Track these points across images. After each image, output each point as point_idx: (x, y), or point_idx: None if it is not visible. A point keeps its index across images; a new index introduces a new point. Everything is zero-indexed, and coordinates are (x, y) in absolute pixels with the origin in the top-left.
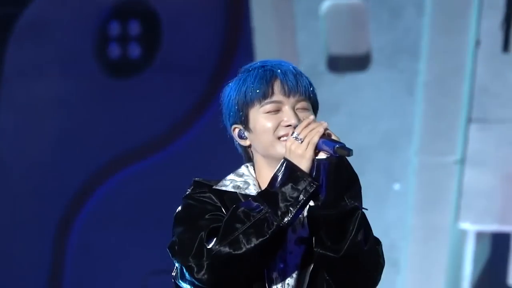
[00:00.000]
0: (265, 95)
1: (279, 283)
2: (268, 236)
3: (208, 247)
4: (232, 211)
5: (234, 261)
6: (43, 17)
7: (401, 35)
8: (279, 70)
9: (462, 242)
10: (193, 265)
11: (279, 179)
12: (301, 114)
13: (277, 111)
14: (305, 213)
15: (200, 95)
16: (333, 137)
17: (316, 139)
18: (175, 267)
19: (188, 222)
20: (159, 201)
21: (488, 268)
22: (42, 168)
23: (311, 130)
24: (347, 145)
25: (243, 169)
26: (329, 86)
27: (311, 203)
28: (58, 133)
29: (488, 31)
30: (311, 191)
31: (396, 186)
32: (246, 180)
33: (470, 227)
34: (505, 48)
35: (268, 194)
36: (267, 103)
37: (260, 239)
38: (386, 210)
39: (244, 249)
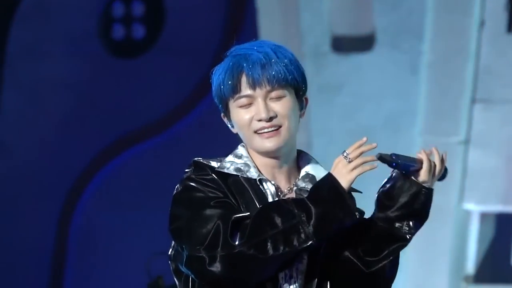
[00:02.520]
0: (234, 90)
1: (285, 285)
2: (296, 247)
3: (234, 243)
4: (261, 210)
5: (255, 264)
6: None
7: (405, 15)
8: (245, 63)
9: (466, 222)
10: (204, 256)
11: (322, 194)
12: (274, 105)
13: (250, 104)
14: None
15: (203, 76)
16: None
17: (367, 168)
18: (172, 248)
19: (193, 207)
20: (162, 183)
21: (492, 249)
22: (46, 148)
23: (361, 153)
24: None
25: (241, 150)
26: (333, 66)
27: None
28: (62, 113)
29: (492, 11)
30: (350, 221)
31: None
32: (246, 162)
33: (474, 207)
34: (509, 28)
35: (306, 206)
36: (238, 98)
37: (287, 249)
38: None
39: (269, 255)
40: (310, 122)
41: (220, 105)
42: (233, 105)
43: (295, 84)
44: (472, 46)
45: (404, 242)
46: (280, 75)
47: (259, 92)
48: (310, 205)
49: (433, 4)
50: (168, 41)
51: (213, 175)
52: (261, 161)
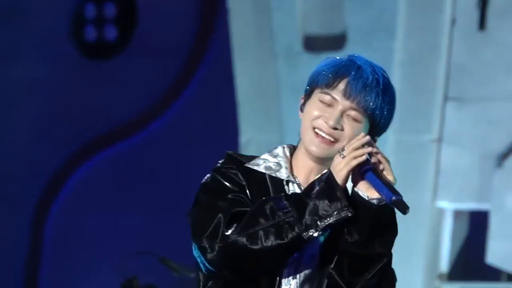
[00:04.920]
0: (328, 86)
1: (288, 285)
2: (286, 241)
3: (227, 233)
4: (260, 203)
5: (247, 254)
6: (19, 0)
7: (377, 13)
8: (353, 72)
9: (440, 220)
10: (206, 246)
11: (316, 189)
12: (347, 122)
13: (330, 105)
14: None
15: (176, 77)
16: (390, 177)
17: (353, 163)
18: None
19: (209, 197)
20: (135, 184)
21: (466, 246)
22: (18, 151)
23: (354, 150)
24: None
25: (278, 150)
26: (305, 66)
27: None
28: (35, 116)
29: (464, 9)
30: (342, 216)
31: None
32: (279, 162)
33: (447, 205)
34: (481, 26)
35: (300, 201)
36: (325, 93)
37: (278, 241)
38: None
39: (260, 246)
40: (282, 121)
41: (308, 87)
42: (316, 95)
43: (376, 121)
44: (444, 44)
45: (383, 258)
46: (371, 104)
47: (345, 103)
48: (304, 200)
49: (405, 2)
50: (141, 42)
51: (238, 169)
52: (302, 160)
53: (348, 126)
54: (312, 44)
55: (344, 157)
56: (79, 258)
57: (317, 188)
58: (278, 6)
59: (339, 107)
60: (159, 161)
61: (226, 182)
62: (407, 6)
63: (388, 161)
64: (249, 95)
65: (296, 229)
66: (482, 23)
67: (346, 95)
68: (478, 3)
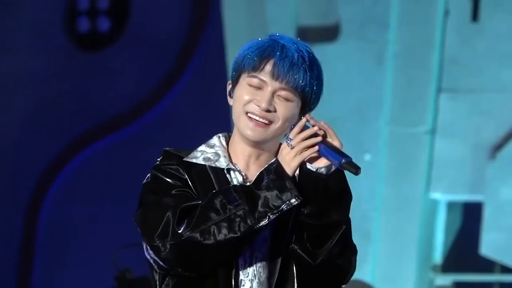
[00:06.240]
0: (255, 68)
1: (246, 274)
2: (239, 234)
3: (179, 231)
4: (210, 197)
5: (201, 250)
6: None
7: (370, 5)
8: (278, 52)
9: (434, 212)
10: (159, 245)
11: (265, 181)
12: (279, 102)
13: (259, 88)
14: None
15: (169, 68)
16: (335, 142)
17: (306, 154)
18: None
19: (153, 196)
20: (128, 175)
21: (459, 238)
22: (12, 142)
23: (302, 140)
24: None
25: (214, 140)
26: None
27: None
28: (27, 107)
29: (457, 1)
30: (294, 205)
31: (367, 157)
32: (217, 152)
33: (441, 197)
34: (474, 17)
35: (251, 193)
36: (253, 76)
37: (231, 235)
38: (357, 181)
39: (213, 241)
40: None
41: (234, 73)
42: (244, 79)
43: (308, 98)
44: (437, 36)
45: (341, 226)
46: (301, 82)
47: (274, 84)
48: (255, 191)
49: None
50: (134, 33)
51: (178, 164)
52: (239, 146)
53: (280, 107)
54: (306, 35)
55: (293, 147)
56: (73, 250)
57: (266, 179)
58: None
59: (268, 89)
60: (152, 152)
61: (168, 178)
62: None
63: (329, 127)
64: None
65: (249, 222)
66: (475, 15)
67: (275, 76)
68: None
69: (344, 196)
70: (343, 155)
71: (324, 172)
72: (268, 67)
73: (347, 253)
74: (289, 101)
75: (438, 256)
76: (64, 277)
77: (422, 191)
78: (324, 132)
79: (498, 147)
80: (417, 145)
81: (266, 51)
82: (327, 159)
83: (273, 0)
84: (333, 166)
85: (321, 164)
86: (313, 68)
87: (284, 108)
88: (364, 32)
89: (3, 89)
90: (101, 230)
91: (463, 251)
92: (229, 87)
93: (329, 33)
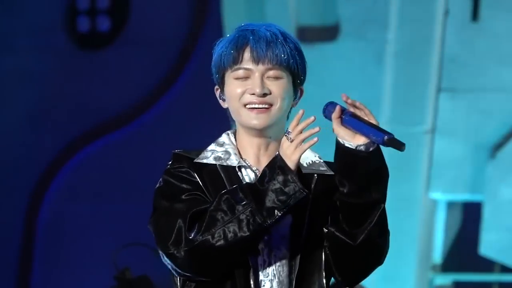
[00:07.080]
0: (235, 61)
1: (266, 274)
2: (249, 233)
3: (190, 237)
4: (218, 199)
5: (215, 253)
6: None
7: (370, 5)
8: (251, 37)
9: (433, 211)
10: (174, 252)
11: (269, 177)
12: (270, 83)
13: (246, 78)
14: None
15: (169, 67)
16: (373, 120)
17: (306, 147)
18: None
19: (165, 202)
20: (128, 174)
21: (459, 238)
22: (12, 141)
23: (300, 132)
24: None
25: (223, 138)
26: None
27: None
28: (28, 107)
29: (456, 0)
30: (299, 198)
31: None
32: (227, 150)
33: (441, 196)
34: (474, 17)
35: (256, 191)
36: (236, 69)
37: (241, 234)
38: None
39: (224, 242)
40: None
41: (217, 75)
42: (229, 76)
43: (295, 69)
44: (437, 35)
45: (380, 205)
46: (283, 56)
47: (259, 68)
48: (259, 188)
49: None
50: (134, 32)
51: (189, 167)
52: (246, 141)
53: (274, 87)
54: (305, 35)
55: (292, 140)
56: (73, 249)
57: (270, 175)
58: None
59: (256, 74)
60: (151, 152)
61: (178, 182)
62: None
63: (365, 106)
64: None
65: (257, 220)
66: (475, 14)
67: (256, 59)
68: None
69: (384, 173)
70: (384, 132)
71: (363, 150)
72: (247, 54)
73: (385, 233)
74: (279, 79)
75: (437, 255)
76: (64, 277)
77: (421, 191)
78: (360, 109)
79: (498, 146)
80: (417, 145)
81: (239, 41)
82: (367, 136)
83: (272, 0)
84: (371, 144)
85: (360, 141)
86: (288, 40)
87: (278, 87)
88: (363, 32)
89: (3, 89)
90: (101, 229)
91: (463, 251)
92: (217, 92)
93: (329, 33)
